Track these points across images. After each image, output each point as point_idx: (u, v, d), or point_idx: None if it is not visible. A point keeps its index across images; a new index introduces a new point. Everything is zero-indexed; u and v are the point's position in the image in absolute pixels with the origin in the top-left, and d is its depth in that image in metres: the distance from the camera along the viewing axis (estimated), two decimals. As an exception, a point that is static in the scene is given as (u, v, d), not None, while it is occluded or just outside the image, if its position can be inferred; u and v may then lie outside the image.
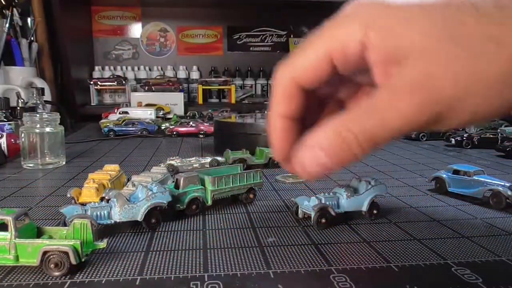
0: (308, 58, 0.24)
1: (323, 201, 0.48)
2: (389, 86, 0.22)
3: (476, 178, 0.58)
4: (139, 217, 0.46)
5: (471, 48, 0.20)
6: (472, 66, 0.21)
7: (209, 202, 0.54)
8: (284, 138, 0.27)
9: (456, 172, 0.60)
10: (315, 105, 0.29)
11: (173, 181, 0.63)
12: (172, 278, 0.35)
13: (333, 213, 0.47)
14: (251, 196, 0.58)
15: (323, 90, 0.28)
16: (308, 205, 0.49)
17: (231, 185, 0.55)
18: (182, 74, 2.14)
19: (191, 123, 1.29)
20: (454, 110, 0.21)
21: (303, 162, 0.25)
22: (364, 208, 0.49)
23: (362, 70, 0.24)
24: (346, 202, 0.49)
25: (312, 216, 0.47)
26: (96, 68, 2.07)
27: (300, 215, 0.50)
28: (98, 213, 0.45)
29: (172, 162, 0.75)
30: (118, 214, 0.45)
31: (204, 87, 1.98)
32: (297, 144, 0.26)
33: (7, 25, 1.48)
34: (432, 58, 0.21)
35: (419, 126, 0.22)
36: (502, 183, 0.55)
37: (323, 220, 0.47)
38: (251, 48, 2.29)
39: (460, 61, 0.21)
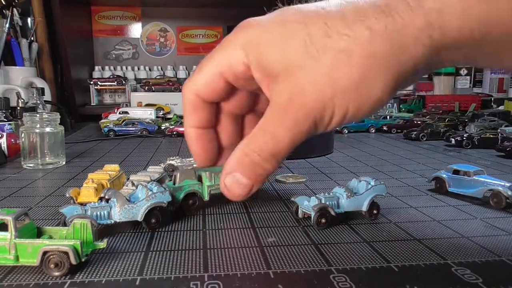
0: (204, 75, 0.27)
1: (323, 201, 0.48)
2: (272, 103, 0.26)
3: (476, 178, 0.58)
4: (139, 217, 0.46)
5: (328, 62, 0.24)
6: (331, 77, 0.24)
7: (206, 197, 0.53)
8: (199, 145, 0.30)
9: (456, 172, 0.60)
10: (241, 113, 0.32)
11: (171, 180, 0.63)
12: (172, 278, 0.35)
13: (333, 213, 0.47)
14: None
15: (241, 101, 0.31)
16: (308, 205, 0.49)
17: None
18: (182, 74, 2.14)
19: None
20: (326, 115, 0.25)
21: (228, 187, 0.27)
22: (364, 208, 0.49)
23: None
24: (346, 202, 0.49)
25: (312, 216, 0.47)
26: (96, 68, 2.07)
27: (300, 215, 0.50)
28: (98, 213, 0.45)
29: (172, 162, 0.75)
30: (118, 214, 0.45)
31: (204, 87, 1.98)
32: (216, 149, 0.31)
33: (7, 25, 1.48)
34: (296, 75, 0.24)
35: (305, 134, 0.25)
36: (502, 183, 0.55)
37: (323, 220, 0.47)
38: (251, 48, 2.29)
39: (321, 74, 0.24)
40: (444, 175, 0.61)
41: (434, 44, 0.23)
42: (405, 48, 0.23)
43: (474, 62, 0.28)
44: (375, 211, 0.50)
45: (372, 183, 0.51)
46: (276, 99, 0.25)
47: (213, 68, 0.27)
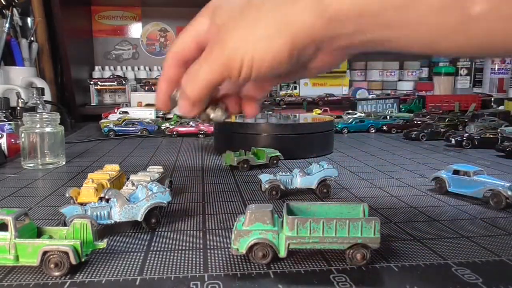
0: (182, 40, 0.38)
1: (277, 178, 0.59)
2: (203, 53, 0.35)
3: (476, 178, 0.58)
4: (139, 217, 0.46)
5: (248, 20, 0.31)
6: (247, 34, 0.31)
7: (282, 254, 0.37)
8: (165, 94, 0.39)
9: (456, 172, 0.60)
10: None
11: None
12: (172, 278, 0.35)
13: (283, 187, 0.58)
14: (359, 256, 0.37)
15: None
16: (266, 180, 0.59)
17: (322, 235, 0.37)
18: (182, 74, 2.14)
19: (191, 123, 1.29)
20: (236, 64, 0.32)
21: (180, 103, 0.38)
22: (314, 186, 0.60)
23: None
24: (299, 180, 0.60)
25: (265, 188, 0.58)
26: (96, 68, 2.07)
27: (263, 189, 0.60)
28: (98, 213, 0.45)
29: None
30: (118, 214, 0.45)
31: (204, 87, 1.98)
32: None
33: (7, 25, 1.48)
34: (225, 29, 0.32)
35: (221, 78, 0.34)
36: (502, 183, 0.55)
37: (274, 192, 0.58)
38: (251, 48, 2.29)
39: (242, 30, 0.32)
40: (444, 175, 0.61)
41: (326, 14, 0.28)
42: (299, 15, 0.29)
43: (395, 43, 0.28)
44: (325, 190, 0.60)
45: (325, 166, 0.61)
46: (209, 50, 0.34)
47: (187, 33, 0.37)
